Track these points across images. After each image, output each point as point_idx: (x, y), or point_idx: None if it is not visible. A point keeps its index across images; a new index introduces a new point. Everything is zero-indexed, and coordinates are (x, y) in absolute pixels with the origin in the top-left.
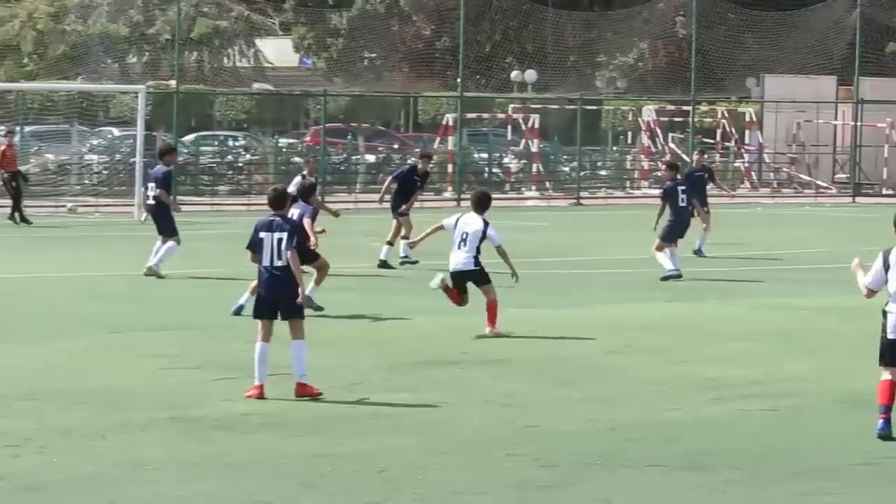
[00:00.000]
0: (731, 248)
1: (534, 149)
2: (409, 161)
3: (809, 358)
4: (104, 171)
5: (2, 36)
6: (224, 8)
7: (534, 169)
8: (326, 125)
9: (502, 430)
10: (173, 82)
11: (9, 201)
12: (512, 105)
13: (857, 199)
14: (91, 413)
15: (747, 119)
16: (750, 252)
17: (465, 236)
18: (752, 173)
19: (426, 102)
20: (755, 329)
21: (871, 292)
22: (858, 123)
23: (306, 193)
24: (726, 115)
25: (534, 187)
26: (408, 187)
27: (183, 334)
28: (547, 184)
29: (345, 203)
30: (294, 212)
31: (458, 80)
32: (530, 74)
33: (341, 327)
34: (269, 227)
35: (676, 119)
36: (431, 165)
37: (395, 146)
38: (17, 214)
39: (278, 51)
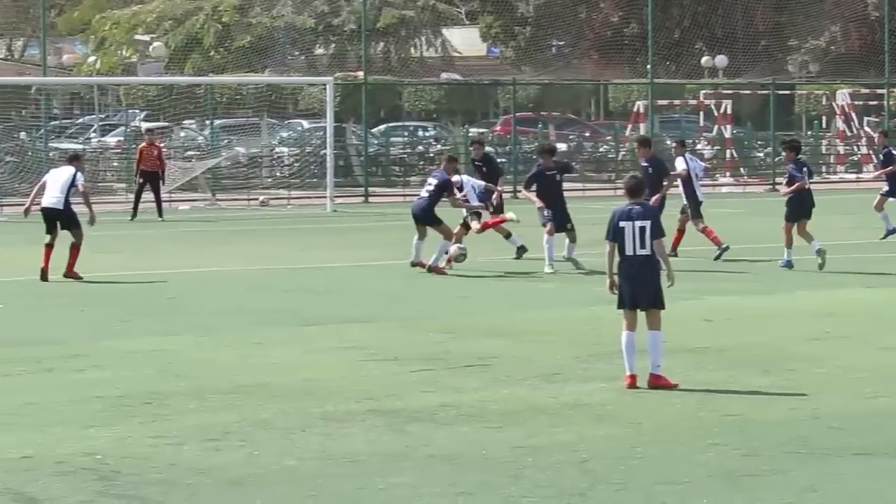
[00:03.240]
0: None
1: (727, 135)
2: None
3: None
4: (295, 164)
5: (187, 30)
6: None
7: (727, 155)
8: (516, 114)
9: (704, 419)
10: (361, 73)
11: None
12: (703, 91)
13: None
14: (290, 406)
15: None
16: None
17: None
18: None
19: (616, 90)
20: None
21: None
22: None
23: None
24: None
25: (728, 174)
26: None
27: (378, 326)
28: (741, 170)
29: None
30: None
31: (648, 66)
32: (721, 60)
33: (540, 318)
34: (629, 215)
35: (871, 103)
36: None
37: (587, 134)
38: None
39: (466, 40)
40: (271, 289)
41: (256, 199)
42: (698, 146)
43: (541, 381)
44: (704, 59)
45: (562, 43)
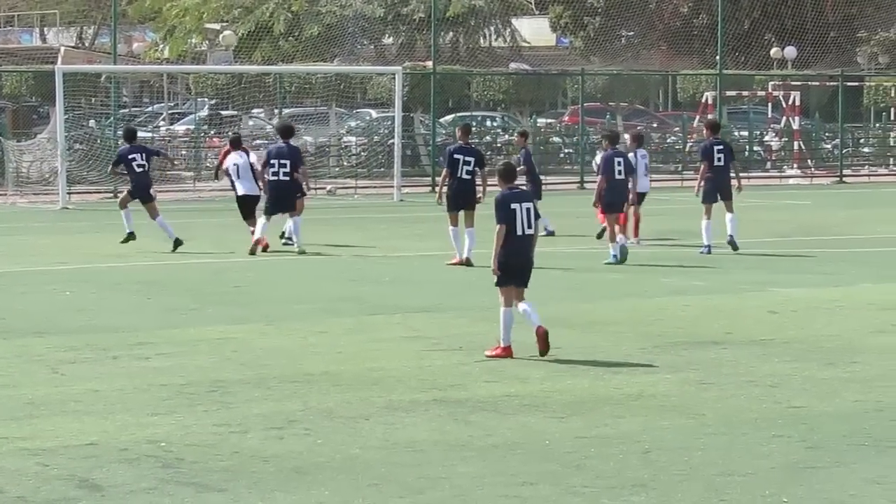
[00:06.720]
0: None
1: (795, 126)
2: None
3: None
4: (362, 153)
5: (257, 18)
6: None
7: (795, 147)
8: (584, 104)
9: (767, 411)
10: (430, 63)
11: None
12: (772, 82)
13: None
14: (354, 395)
15: None
16: None
17: None
18: None
19: (685, 81)
20: None
21: None
22: None
23: None
24: None
25: (795, 165)
26: None
27: (443, 316)
28: (809, 161)
29: None
30: None
31: (717, 57)
32: (790, 51)
33: (605, 308)
34: (518, 197)
35: None
36: None
37: (654, 125)
38: None
39: (535, 30)
40: (337, 278)
41: (324, 188)
42: (766, 137)
43: (605, 372)
44: (774, 51)
45: (631, 33)
